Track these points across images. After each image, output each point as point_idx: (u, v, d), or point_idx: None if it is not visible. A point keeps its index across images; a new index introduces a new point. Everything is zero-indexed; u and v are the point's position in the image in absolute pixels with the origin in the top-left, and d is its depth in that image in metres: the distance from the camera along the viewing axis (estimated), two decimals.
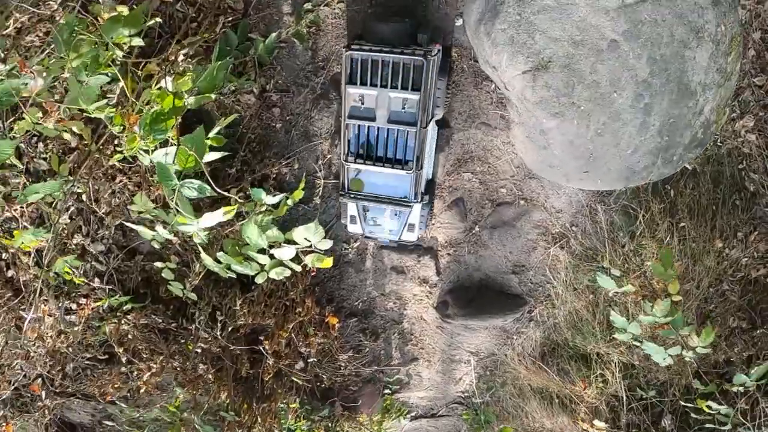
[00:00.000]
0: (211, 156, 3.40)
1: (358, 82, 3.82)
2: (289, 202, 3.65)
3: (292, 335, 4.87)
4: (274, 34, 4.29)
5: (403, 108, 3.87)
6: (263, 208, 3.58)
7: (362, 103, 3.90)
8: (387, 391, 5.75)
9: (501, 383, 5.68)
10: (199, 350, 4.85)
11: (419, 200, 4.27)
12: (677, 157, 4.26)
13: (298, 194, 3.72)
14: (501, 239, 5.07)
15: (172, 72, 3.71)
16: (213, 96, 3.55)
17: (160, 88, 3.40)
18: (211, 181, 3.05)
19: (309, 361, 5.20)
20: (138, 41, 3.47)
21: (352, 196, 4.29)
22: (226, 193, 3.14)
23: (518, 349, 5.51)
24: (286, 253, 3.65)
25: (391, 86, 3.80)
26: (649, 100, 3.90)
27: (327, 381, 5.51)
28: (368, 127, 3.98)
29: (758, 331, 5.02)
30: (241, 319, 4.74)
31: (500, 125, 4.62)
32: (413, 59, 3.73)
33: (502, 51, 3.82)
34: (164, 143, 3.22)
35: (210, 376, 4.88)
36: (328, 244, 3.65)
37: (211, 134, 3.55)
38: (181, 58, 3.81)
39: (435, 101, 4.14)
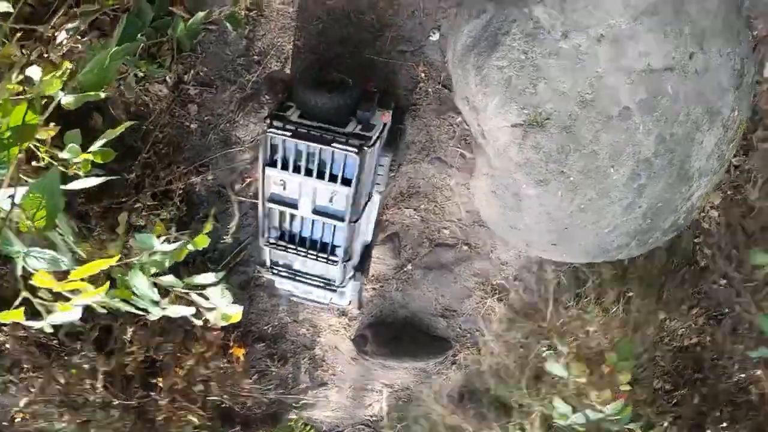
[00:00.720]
0: (86, 183, 2.24)
1: (279, 166, 2.77)
2: (190, 246, 2.54)
3: (192, 366, 3.78)
4: (201, 14, 2.99)
5: (331, 201, 2.84)
6: (155, 256, 2.45)
7: (284, 188, 2.86)
8: (293, 415, 4.82)
9: (413, 417, 4.86)
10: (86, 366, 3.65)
11: (350, 281, 3.37)
12: (652, 240, 3.43)
13: (202, 242, 2.61)
14: (434, 281, 4.14)
15: (48, 57, 2.41)
16: (102, 94, 2.30)
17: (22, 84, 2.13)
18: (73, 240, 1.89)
19: (210, 384, 4.15)
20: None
21: (274, 272, 3.30)
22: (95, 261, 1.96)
23: (435, 387, 4.68)
24: (183, 310, 2.57)
25: (317, 176, 2.76)
26: (645, 181, 3.01)
27: (229, 403, 4.49)
28: (290, 214, 2.96)
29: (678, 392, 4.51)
30: (132, 347, 3.57)
31: (458, 164, 3.61)
32: (345, 153, 2.66)
33: (493, 94, 2.76)
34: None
35: (98, 398, 3.72)
36: (236, 310, 2.59)
37: (95, 147, 2.34)
38: (63, 36, 2.46)
39: (374, 180, 3.19)
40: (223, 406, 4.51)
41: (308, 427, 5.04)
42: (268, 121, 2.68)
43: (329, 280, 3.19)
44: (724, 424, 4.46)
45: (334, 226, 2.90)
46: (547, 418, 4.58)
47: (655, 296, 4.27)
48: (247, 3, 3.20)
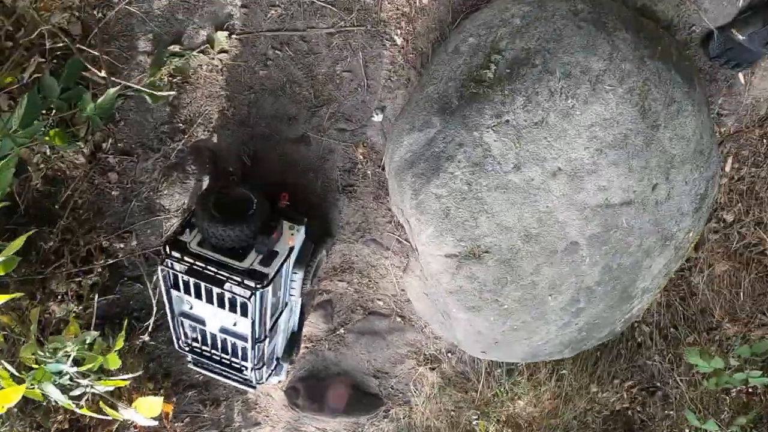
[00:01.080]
0: None
1: (182, 291, 2.49)
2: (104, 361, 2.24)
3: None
4: (111, 91, 2.47)
5: (234, 325, 2.60)
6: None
7: (191, 308, 2.63)
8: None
9: None
10: None
11: (274, 371, 3.16)
12: (587, 346, 3.17)
13: (114, 361, 2.29)
14: (367, 346, 3.84)
15: None
16: None
17: None
18: None
19: None
20: None
21: (193, 363, 3.02)
22: None
23: None
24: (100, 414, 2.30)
25: (218, 305, 2.49)
26: (584, 305, 2.71)
27: None
28: (200, 329, 2.71)
29: None
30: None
31: (394, 248, 3.26)
32: (236, 296, 2.40)
33: (428, 222, 2.39)
34: None
35: None
36: (154, 408, 2.29)
37: None
38: None
39: (289, 292, 2.87)
40: None
41: None
42: (165, 249, 2.36)
43: (246, 378, 2.92)
44: None
45: (242, 346, 2.66)
46: None
47: (589, 371, 4.09)
48: (171, 69, 2.73)
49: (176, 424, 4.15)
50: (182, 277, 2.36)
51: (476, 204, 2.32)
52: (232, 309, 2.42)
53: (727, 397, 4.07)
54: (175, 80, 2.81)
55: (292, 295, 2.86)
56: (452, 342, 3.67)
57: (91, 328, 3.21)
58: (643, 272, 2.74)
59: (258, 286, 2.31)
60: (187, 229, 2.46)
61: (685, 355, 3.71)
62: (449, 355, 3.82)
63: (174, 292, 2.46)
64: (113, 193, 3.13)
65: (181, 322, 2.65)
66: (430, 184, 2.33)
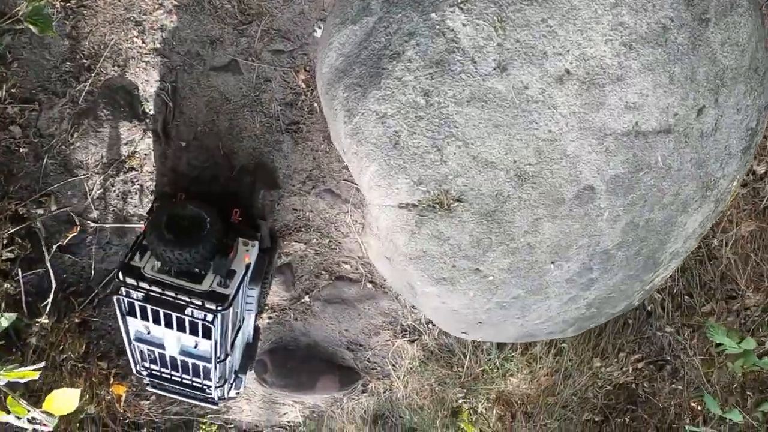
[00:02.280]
0: None
1: (139, 317, 2.07)
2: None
3: None
4: None
5: (195, 347, 2.22)
6: None
7: (148, 332, 2.21)
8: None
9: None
10: None
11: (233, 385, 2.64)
12: (593, 323, 2.20)
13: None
14: (336, 316, 2.90)
15: None
16: None
17: None
18: None
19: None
20: None
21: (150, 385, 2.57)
22: None
23: (348, 409, 3.57)
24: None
25: (177, 329, 2.09)
26: (597, 275, 1.72)
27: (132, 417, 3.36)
28: (158, 352, 2.29)
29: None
30: None
31: (355, 200, 2.27)
32: (197, 320, 2.02)
33: (369, 157, 1.38)
34: None
35: None
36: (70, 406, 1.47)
37: None
38: None
39: (246, 307, 2.43)
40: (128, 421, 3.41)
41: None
42: (119, 275, 1.96)
43: (208, 396, 2.48)
44: None
45: (203, 366, 2.26)
46: None
47: (591, 344, 3.11)
48: None
49: (142, 402, 3.30)
50: (138, 304, 1.99)
51: (440, 126, 1.31)
52: (193, 332, 2.04)
53: (744, 377, 3.09)
54: (70, 4, 1.83)
55: (249, 310, 2.42)
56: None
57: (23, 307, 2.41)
58: (677, 232, 1.73)
59: (219, 308, 1.98)
60: (139, 254, 2.05)
61: (707, 331, 2.69)
62: (430, 326, 2.87)
63: (130, 319, 2.06)
64: (21, 150, 2.17)
65: (136, 347, 2.24)
66: (368, 98, 1.31)
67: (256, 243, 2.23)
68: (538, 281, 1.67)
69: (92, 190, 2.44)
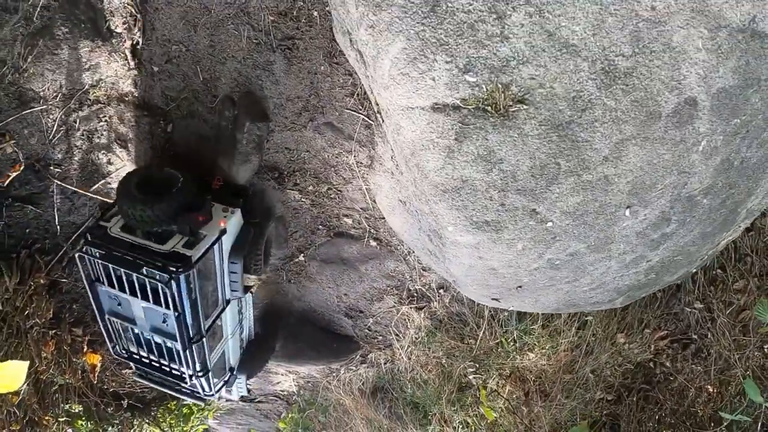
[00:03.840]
0: None
1: (105, 283, 1.86)
2: None
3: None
4: None
5: (164, 322, 1.94)
6: None
7: (119, 304, 1.97)
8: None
9: (323, 403, 3.38)
10: None
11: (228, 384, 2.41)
12: (645, 293, 1.74)
13: None
14: (335, 278, 2.45)
15: None
16: None
17: None
18: None
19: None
20: None
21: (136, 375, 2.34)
22: None
23: (345, 380, 3.14)
24: None
25: (141, 297, 1.86)
26: (673, 229, 1.26)
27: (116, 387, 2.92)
28: (131, 328, 2.04)
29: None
30: None
31: (359, 136, 1.74)
32: (155, 281, 1.76)
33: (393, 28, 0.88)
34: None
35: None
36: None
37: None
38: None
39: (229, 286, 2.10)
40: (110, 390, 2.97)
41: (213, 410, 3.55)
42: (86, 236, 1.80)
43: (193, 388, 2.22)
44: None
45: (176, 347, 2.01)
46: (468, 425, 3.12)
47: (617, 318, 2.67)
48: None
49: (124, 372, 2.83)
50: (98, 264, 1.82)
51: None
52: (156, 301, 1.83)
53: None
54: None
55: (234, 291, 2.09)
56: (445, 276, 2.27)
57: None
58: (764, 181, 1.26)
59: (180, 269, 1.75)
60: (111, 215, 1.87)
61: (756, 309, 2.22)
62: (441, 292, 2.41)
63: (99, 287, 1.90)
64: None
65: (110, 321, 2.04)
66: None
67: (237, 211, 1.96)
68: (605, 233, 1.20)
69: (52, 127, 1.96)
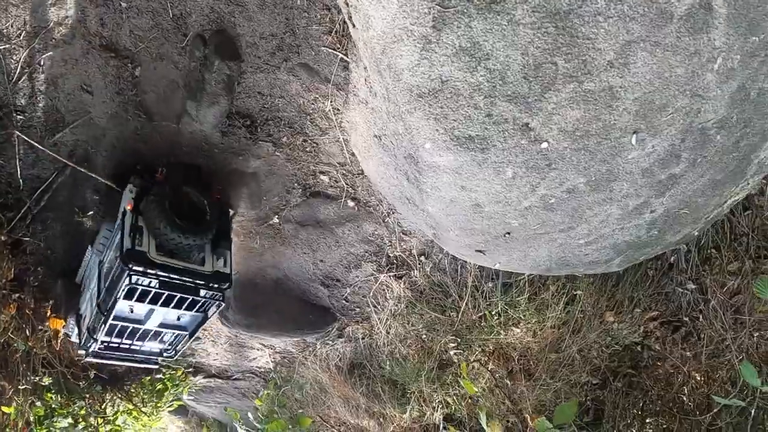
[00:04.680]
0: None
1: (135, 299, 1.99)
2: None
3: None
4: None
5: (179, 319, 2.26)
6: None
7: (131, 311, 2.15)
8: (159, 375, 3.17)
9: (299, 381, 3.21)
10: None
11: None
12: (644, 255, 1.59)
13: None
14: (310, 242, 2.27)
15: None
16: None
17: None
18: None
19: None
20: None
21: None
22: None
23: (322, 356, 2.97)
24: None
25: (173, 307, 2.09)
26: (681, 170, 1.10)
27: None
28: (133, 327, 2.24)
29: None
30: None
31: (337, 78, 1.57)
32: (208, 299, 2.06)
33: None
34: None
35: None
36: None
37: None
38: None
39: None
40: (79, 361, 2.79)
41: (188, 386, 3.41)
42: (124, 261, 1.85)
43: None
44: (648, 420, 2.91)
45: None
46: (448, 404, 2.97)
47: (607, 294, 2.54)
48: None
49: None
50: (143, 287, 1.91)
51: None
52: (190, 308, 2.09)
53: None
54: None
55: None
56: (426, 236, 2.08)
57: None
58: None
59: (228, 286, 2.03)
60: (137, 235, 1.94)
61: (756, 286, 2.08)
62: (422, 259, 2.24)
63: (120, 305, 2.00)
64: None
65: (110, 326, 2.19)
66: None
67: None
68: (608, 165, 1.03)
69: (15, 69, 1.77)
